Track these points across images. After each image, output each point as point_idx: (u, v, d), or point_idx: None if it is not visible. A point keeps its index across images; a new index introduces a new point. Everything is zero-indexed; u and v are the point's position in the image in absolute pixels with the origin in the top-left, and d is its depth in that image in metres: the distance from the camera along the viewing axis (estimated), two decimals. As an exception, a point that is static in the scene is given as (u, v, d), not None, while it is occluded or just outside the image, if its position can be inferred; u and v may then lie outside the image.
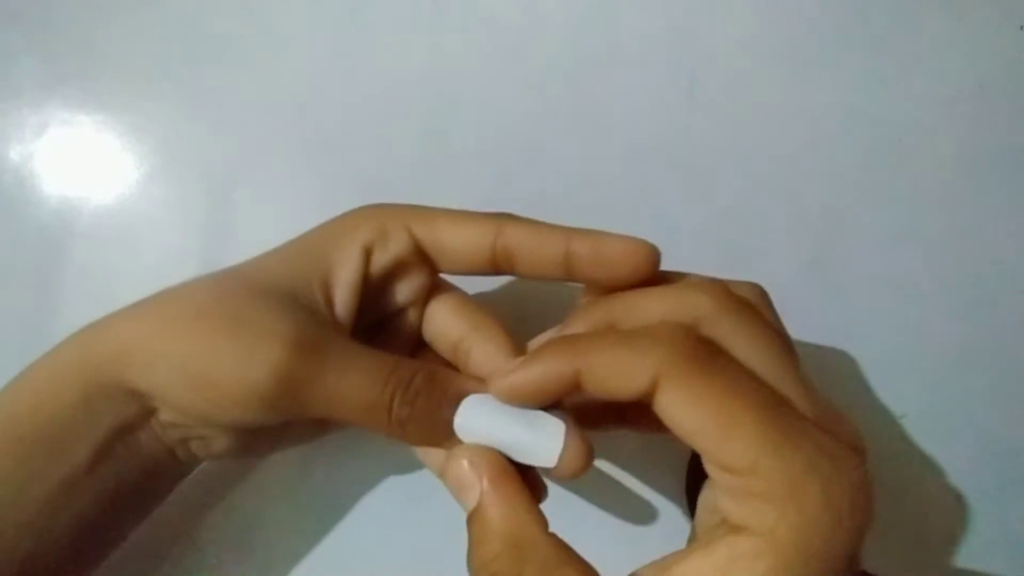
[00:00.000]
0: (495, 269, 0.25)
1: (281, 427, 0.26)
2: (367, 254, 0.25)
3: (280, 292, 0.24)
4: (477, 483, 0.22)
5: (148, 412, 0.24)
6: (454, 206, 0.35)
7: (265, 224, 0.36)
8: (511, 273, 0.25)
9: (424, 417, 0.24)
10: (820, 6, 0.35)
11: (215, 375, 0.23)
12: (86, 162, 0.36)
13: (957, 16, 0.35)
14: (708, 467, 0.20)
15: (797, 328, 0.34)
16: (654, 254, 0.24)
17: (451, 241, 0.25)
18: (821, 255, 0.34)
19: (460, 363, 0.26)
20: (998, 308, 0.34)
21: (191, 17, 0.36)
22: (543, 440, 0.22)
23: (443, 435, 0.24)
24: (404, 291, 0.27)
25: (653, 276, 0.24)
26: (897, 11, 0.35)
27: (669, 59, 0.35)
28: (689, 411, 0.19)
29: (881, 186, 0.35)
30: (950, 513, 0.33)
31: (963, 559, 0.33)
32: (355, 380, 0.23)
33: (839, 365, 0.34)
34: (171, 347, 0.23)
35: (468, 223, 0.25)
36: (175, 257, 0.35)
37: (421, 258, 0.26)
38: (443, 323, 0.27)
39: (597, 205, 0.35)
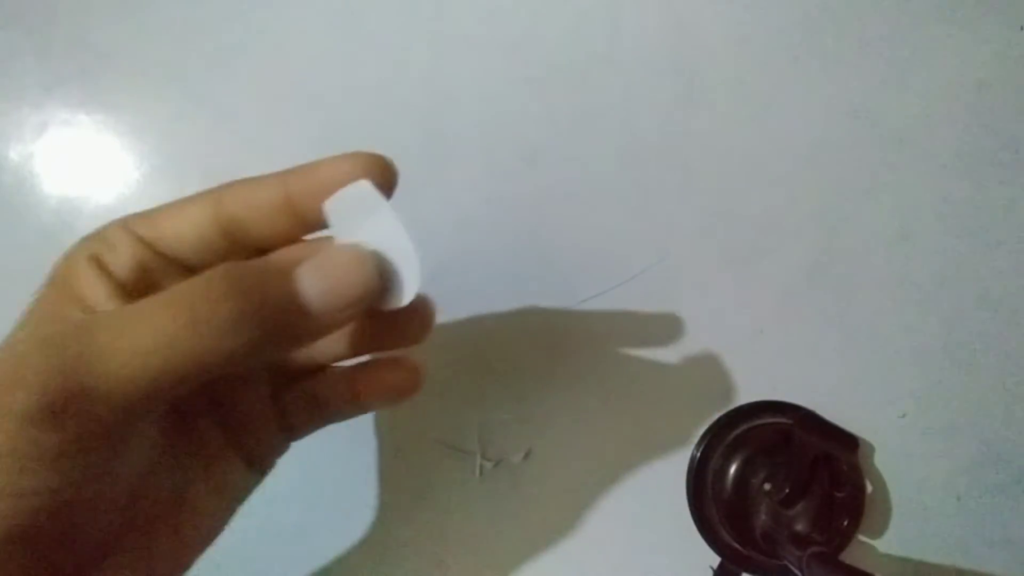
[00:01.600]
0: (232, 244, 0.22)
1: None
2: (99, 265, 0.22)
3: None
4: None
5: None
6: (454, 205, 0.35)
7: (265, 224, 0.36)
8: (248, 244, 0.23)
9: (262, 301, 0.19)
10: (820, 6, 0.35)
11: None
12: (86, 162, 0.36)
13: (957, 16, 0.35)
14: None
15: (797, 328, 0.34)
16: (375, 165, 0.22)
17: (172, 227, 0.22)
18: (821, 255, 0.34)
19: (299, 211, 0.23)
20: (998, 308, 0.34)
21: (191, 17, 0.36)
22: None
23: (293, 307, 0.19)
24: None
25: (392, 182, 0.22)
26: (897, 11, 0.35)
27: (669, 59, 0.35)
28: None
29: (881, 186, 0.35)
30: (950, 513, 0.33)
31: (963, 559, 0.33)
32: (134, 324, 0.18)
33: (839, 365, 0.34)
34: None
35: (185, 203, 0.22)
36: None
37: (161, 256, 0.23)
38: (250, 196, 0.23)
39: (597, 205, 0.35)
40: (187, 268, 0.23)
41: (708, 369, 0.34)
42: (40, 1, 0.36)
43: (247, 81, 0.36)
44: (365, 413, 0.26)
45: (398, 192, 0.37)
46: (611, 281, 0.34)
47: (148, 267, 0.22)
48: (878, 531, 0.33)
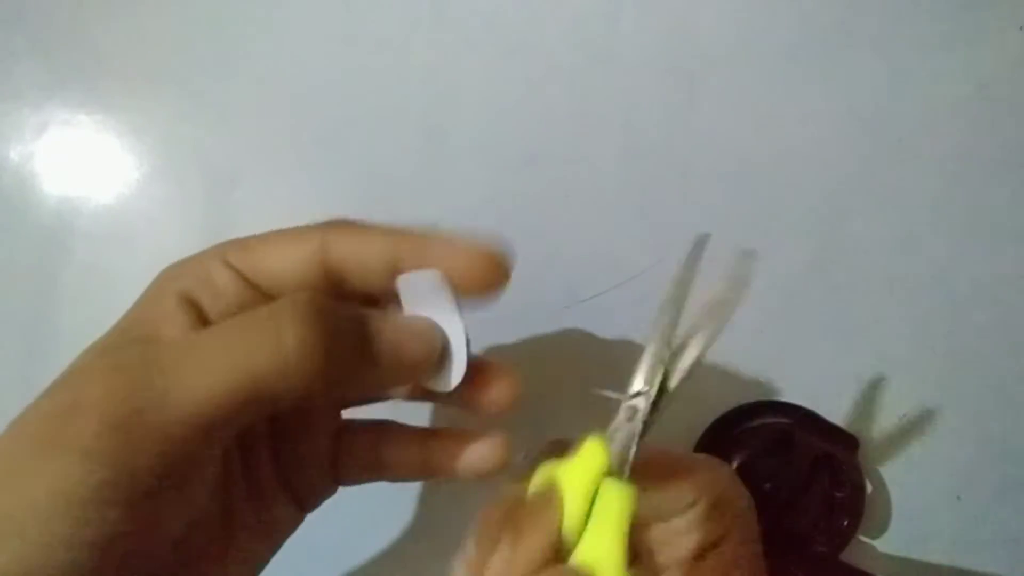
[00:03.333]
0: (330, 288, 0.22)
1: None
2: (190, 304, 0.20)
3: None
4: None
5: None
6: (454, 206, 0.35)
7: (265, 224, 0.35)
8: (344, 292, 0.22)
9: (340, 336, 0.19)
10: (820, 6, 0.35)
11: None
12: (86, 162, 0.36)
13: (957, 16, 0.35)
14: None
15: (797, 328, 0.34)
16: (492, 260, 0.21)
17: (274, 265, 0.21)
18: (821, 255, 0.34)
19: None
20: (998, 308, 0.34)
21: (191, 18, 0.36)
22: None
23: (365, 349, 0.19)
24: None
25: (500, 283, 0.21)
26: (896, 11, 0.35)
27: (669, 59, 0.35)
28: None
29: (881, 186, 0.35)
30: (950, 513, 0.33)
31: (963, 559, 0.33)
32: (212, 346, 0.17)
33: (839, 365, 0.34)
34: None
35: (288, 241, 0.22)
36: (175, 257, 0.35)
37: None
38: (359, 251, 0.22)
39: (597, 205, 0.35)
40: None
41: (708, 369, 0.34)
42: (40, 1, 0.36)
43: (247, 81, 0.36)
44: (428, 479, 0.26)
45: (400, 193, 0.37)
46: (611, 281, 0.34)
47: (245, 304, 0.21)
48: (878, 531, 0.33)
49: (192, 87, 0.36)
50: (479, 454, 0.24)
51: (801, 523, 0.32)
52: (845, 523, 0.32)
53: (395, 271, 0.22)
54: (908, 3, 0.35)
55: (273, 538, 0.24)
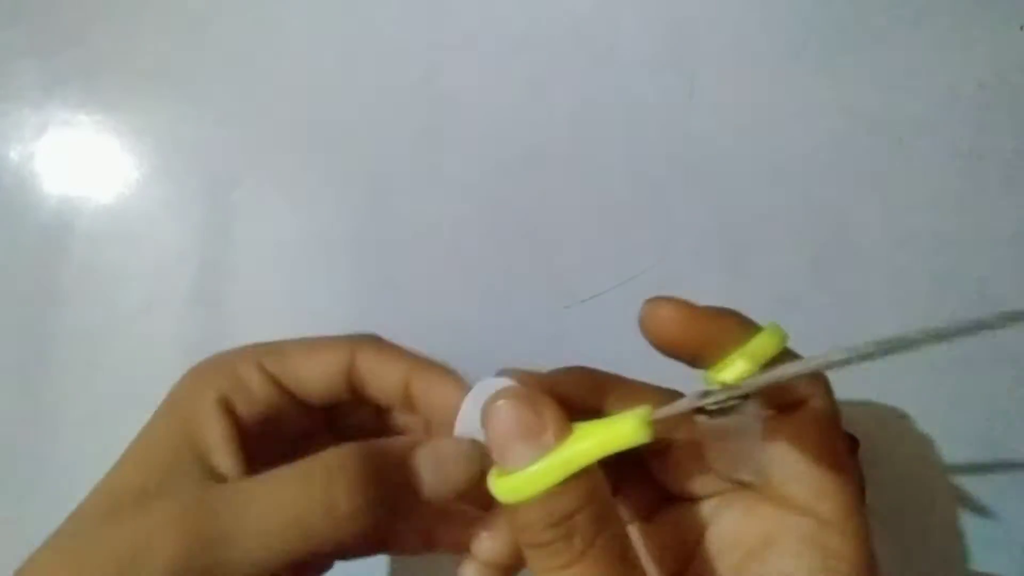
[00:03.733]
0: (354, 396, 0.23)
1: None
2: (227, 407, 0.22)
3: (131, 498, 0.20)
4: (543, 428, 0.18)
5: None
6: (453, 205, 0.35)
7: (264, 224, 0.36)
8: (366, 400, 0.24)
9: (385, 487, 0.20)
10: (820, 6, 0.35)
11: None
12: (86, 162, 0.36)
13: (957, 16, 0.35)
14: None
15: (797, 328, 0.34)
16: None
17: (305, 369, 0.23)
18: (822, 255, 0.34)
19: (415, 406, 0.24)
20: (998, 307, 0.34)
21: (191, 18, 0.36)
22: None
23: (409, 490, 0.21)
24: (296, 424, 0.24)
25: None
26: (897, 11, 0.35)
27: (669, 59, 0.35)
28: None
29: (881, 186, 0.35)
30: (950, 513, 0.33)
31: (963, 559, 0.33)
32: (270, 502, 0.19)
33: (839, 365, 0.34)
34: None
35: (320, 351, 0.23)
36: (175, 257, 0.35)
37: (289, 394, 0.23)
38: (380, 370, 0.24)
39: (597, 205, 0.35)
40: (308, 406, 0.24)
41: (708, 369, 0.34)
42: (40, 1, 0.36)
43: (247, 81, 0.36)
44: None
45: (398, 193, 0.37)
46: (611, 281, 0.34)
47: (276, 407, 0.23)
48: (878, 531, 0.33)
49: (192, 87, 0.36)
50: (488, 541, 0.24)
51: (801, 523, 0.32)
52: (845, 523, 0.32)
53: (407, 393, 0.23)
54: (908, 3, 0.35)
55: None
